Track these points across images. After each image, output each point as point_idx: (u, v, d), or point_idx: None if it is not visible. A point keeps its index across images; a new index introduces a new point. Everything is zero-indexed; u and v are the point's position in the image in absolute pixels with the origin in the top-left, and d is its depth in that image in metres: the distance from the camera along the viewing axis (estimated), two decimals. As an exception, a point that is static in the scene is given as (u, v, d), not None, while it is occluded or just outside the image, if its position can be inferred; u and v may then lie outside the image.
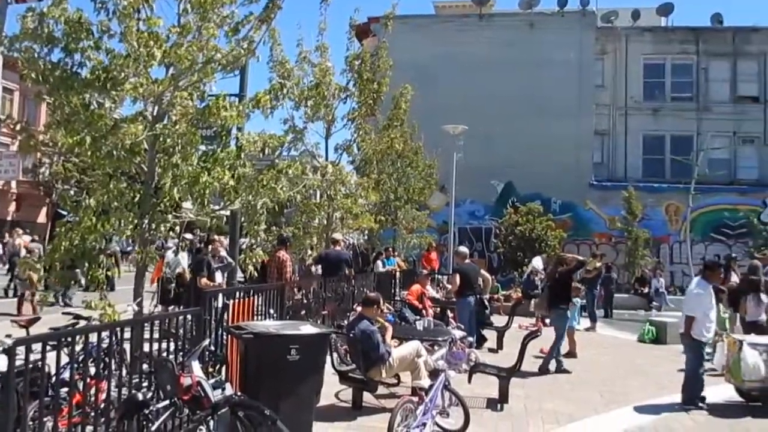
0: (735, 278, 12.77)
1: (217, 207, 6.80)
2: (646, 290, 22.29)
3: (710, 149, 27.00)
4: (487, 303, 13.23)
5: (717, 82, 29.94)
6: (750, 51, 29.72)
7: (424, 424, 5.65)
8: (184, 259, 11.95)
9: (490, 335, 12.16)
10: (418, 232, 20.43)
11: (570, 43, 27.82)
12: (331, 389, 7.47)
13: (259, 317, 7.29)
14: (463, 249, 12.72)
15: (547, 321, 15.35)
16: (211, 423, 4.50)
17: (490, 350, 11.57)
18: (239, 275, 10.59)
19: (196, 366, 4.66)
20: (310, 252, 13.24)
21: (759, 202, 27.26)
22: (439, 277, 17.69)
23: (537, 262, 16.97)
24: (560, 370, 9.96)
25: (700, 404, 7.72)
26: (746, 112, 29.31)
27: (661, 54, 30.29)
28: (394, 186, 18.17)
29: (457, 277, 11.43)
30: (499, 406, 7.52)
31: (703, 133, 28.31)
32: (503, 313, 15.57)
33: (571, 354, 11.14)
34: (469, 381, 7.63)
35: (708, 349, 8.32)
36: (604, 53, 29.97)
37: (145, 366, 5.01)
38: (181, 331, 5.53)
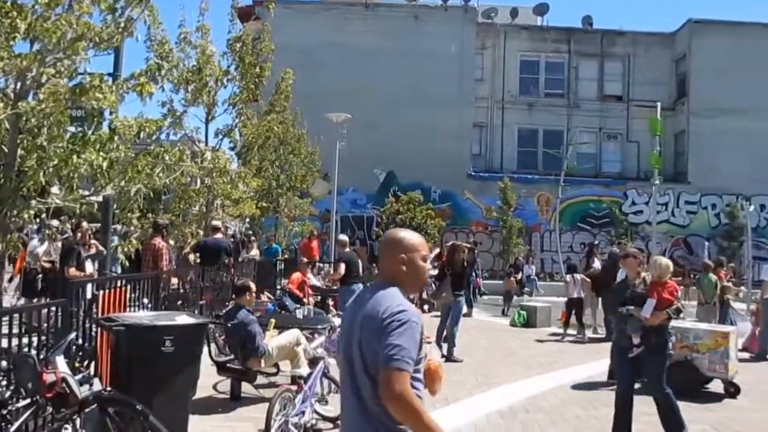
0: (597, 264, 13.67)
1: (87, 192, 6.44)
2: (519, 276, 23.40)
3: (578, 143, 28.69)
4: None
5: (586, 80, 31.80)
6: (616, 52, 31.76)
7: (303, 412, 5.67)
8: (42, 246, 11.19)
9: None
10: (300, 219, 20.34)
11: (452, 37, 28.57)
12: (209, 381, 7.32)
13: (133, 308, 7.01)
14: (344, 237, 12.83)
15: (426, 308, 15.84)
16: (78, 421, 4.28)
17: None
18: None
19: (60, 361, 4.41)
20: (189, 240, 12.86)
21: (621, 194, 29.25)
22: (321, 265, 17.72)
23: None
24: (447, 357, 10.26)
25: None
26: (611, 110, 31.31)
27: (536, 51, 31.74)
28: (276, 173, 17.97)
29: (342, 266, 11.51)
30: (378, 391, 7.66)
31: (573, 128, 30.00)
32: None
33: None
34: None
35: None
36: (483, 48, 30.99)
37: (3, 363, 4.69)
38: (45, 324, 5.21)
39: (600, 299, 13.28)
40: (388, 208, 25.21)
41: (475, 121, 29.63)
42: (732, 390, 8.14)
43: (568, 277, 13.78)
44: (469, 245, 11.87)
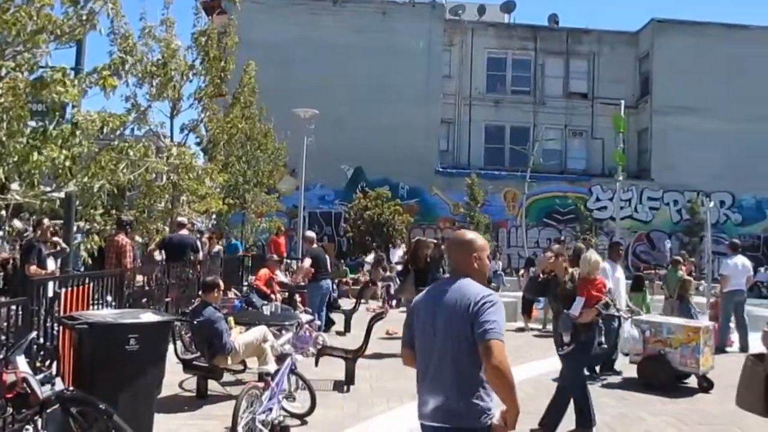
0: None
1: (48, 189, 6.31)
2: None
3: (544, 140, 29.03)
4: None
5: (552, 78, 32.15)
6: (581, 51, 32.16)
7: (271, 409, 5.65)
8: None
9: (338, 318, 12.35)
10: (267, 216, 20.22)
11: (420, 33, 28.64)
12: (175, 379, 7.25)
13: (96, 306, 6.90)
14: (310, 233, 12.81)
15: (393, 303, 15.88)
16: (40, 421, 4.20)
17: (338, 333, 11.75)
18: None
19: (21, 361, 4.33)
20: (155, 237, 12.69)
21: (585, 191, 29.69)
22: (288, 261, 17.64)
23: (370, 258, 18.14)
24: None
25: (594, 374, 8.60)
26: (576, 107, 31.71)
27: (503, 49, 31.98)
28: (242, 169, 17.83)
29: (308, 261, 11.47)
30: (345, 387, 7.67)
31: (539, 125, 30.35)
32: (351, 296, 15.87)
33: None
34: (316, 364, 7.71)
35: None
36: (451, 45, 31.13)
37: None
38: (5, 324, 5.10)
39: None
40: (356, 204, 25.21)
41: (442, 118, 29.76)
42: (705, 385, 8.16)
43: (522, 272, 13.96)
44: (435, 241, 11.91)
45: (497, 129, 31.57)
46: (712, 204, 27.85)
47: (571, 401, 6.18)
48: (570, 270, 6.65)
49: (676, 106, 29.35)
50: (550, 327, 13.49)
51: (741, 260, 12.62)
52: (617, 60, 31.75)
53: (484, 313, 3.02)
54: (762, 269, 22.49)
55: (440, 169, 29.04)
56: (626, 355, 8.73)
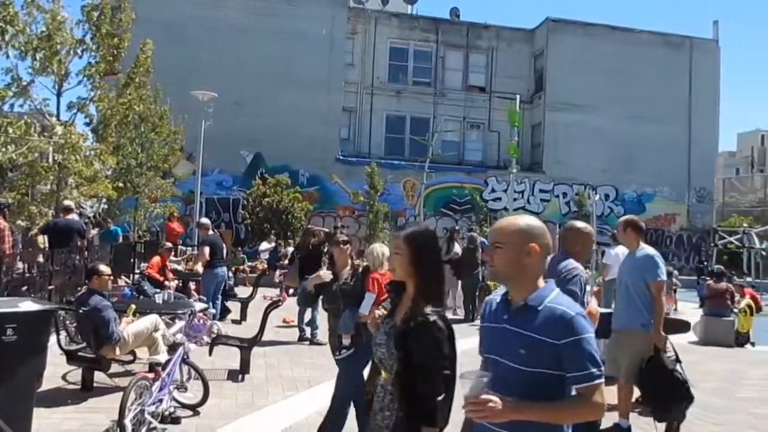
0: (457, 248, 14.20)
1: None
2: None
3: (443, 132, 29.60)
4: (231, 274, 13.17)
5: (452, 70, 32.80)
6: (480, 45, 32.98)
7: (161, 401, 5.49)
8: None
9: (235, 307, 12.14)
10: (162, 201, 19.53)
11: (323, 20, 28.39)
12: (58, 371, 6.91)
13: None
14: (205, 220, 12.51)
15: (291, 291, 15.78)
16: None
17: (234, 321, 11.56)
18: None
19: None
20: (38, 221, 12.01)
21: (482, 182, 30.55)
22: (183, 248, 17.15)
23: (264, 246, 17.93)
24: (310, 340, 10.32)
25: None
26: (474, 100, 32.53)
27: (405, 40, 32.28)
28: (135, 151, 17.12)
29: (207, 249, 11.20)
30: (240, 376, 7.57)
31: (438, 116, 30.90)
32: (248, 284, 15.64)
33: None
34: (210, 353, 7.56)
35: None
36: (354, 33, 31.09)
37: None
38: None
39: (460, 282, 13.86)
40: (255, 190, 24.80)
41: (344, 106, 29.72)
42: None
43: None
44: (327, 230, 11.99)
45: (398, 119, 31.91)
46: (597, 197, 29.51)
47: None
48: (357, 262, 5.93)
49: (566, 102, 30.75)
50: (460, 313, 13.85)
51: (622, 251, 13.39)
52: (514, 56, 32.82)
53: (567, 283, 4.20)
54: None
55: (341, 158, 29.02)
56: None
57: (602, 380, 2.24)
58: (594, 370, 2.24)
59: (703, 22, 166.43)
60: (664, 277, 5.86)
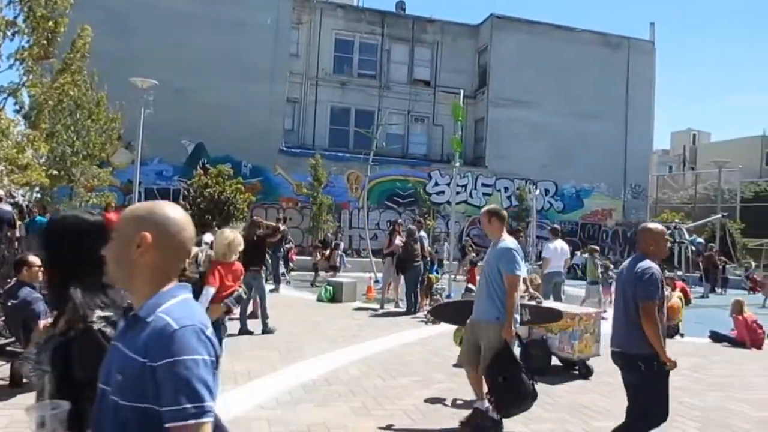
0: (398, 241, 14.28)
1: None
2: (327, 252, 23.76)
3: (388, 125, 29.65)
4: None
5: (397, 64, 32.92)
6: (425, 39, 33.18)
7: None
8: None
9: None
10: (98, 190, 18.97)
11: (268, 9, 28.02)
12: (-16, 365, 6.65)
13: None
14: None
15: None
16: None
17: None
18: None
19: None
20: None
21: (425, 175, 30.79)
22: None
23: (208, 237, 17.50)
24: (243, 331, 10.23)
25: None
26: (419, 94, 32.73)
27: (351, 31, 32.20)
28: (71, 139, 16.57)
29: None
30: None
31: (383, 109, 30.95)
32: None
33: (253, 315, 11.50)
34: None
35: None
36: (299, 23, 30.83)
37: None
38: None
39: (401, 275, 13.96)
40: (196, 180, 24.31)
41: (288, 96, 29.46)
42: (584, 371, 8.23)
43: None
44: (272, 223, 11.97)
45: (343, 111, 31.84)
46: (537, 192, 30.15)
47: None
48: (205, 253, 5.20)
49: (509, 98, 31.28)
50: (389, 307, 13.97)
51: (560, 244, 13.79)
52: (459, 51, 33.16)
53: (643, 282, 4.51)
54: (578, 253, 24.60)
55: (284, 149, 28.77)
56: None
57: (202, 420, 1.63)
58: (188, 405, 1.62)
59: (640, 23, 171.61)
60: (520, 272, 5.73)
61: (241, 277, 5.11)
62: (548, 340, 8.33)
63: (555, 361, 8.51)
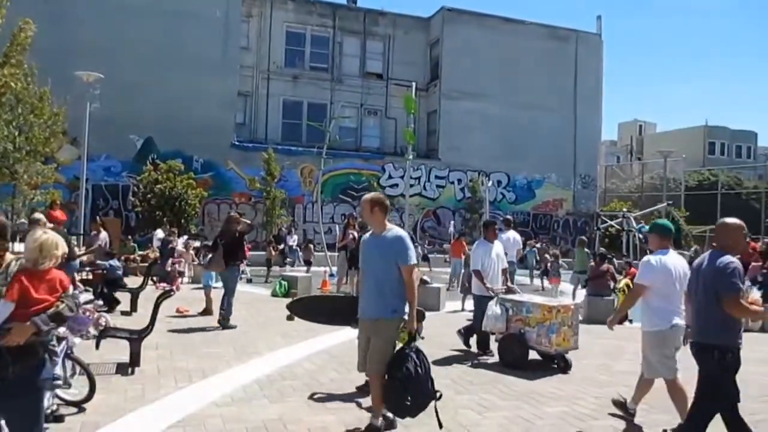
0: (355, 234, 14.30)
1: None
2: (281, 247, 23.63)
3: (341, 118, 29.60)
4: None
5: (349, 57, 32.84)
6: (377, 32, 33.18)
7: (42, 399, 5.17)
8: None
9: (124, 297, 11.70)
10: (43, 187, 18.41)
11: (217, 1, 27.62)
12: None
13: None
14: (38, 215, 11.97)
15: (183, 280, 15.45)
16: None
17: (123, 313, 11.14)
18: None
19: None
20: None
21: (379, 168, 30.85)
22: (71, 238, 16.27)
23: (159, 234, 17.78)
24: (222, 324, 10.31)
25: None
26: (372, 87, 32.73)
27: (302, 24, 31.98)
28: (12, 134, 16.03)
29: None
30: (130, 369, 7.29)
31: (336, 102, 30.90)
32: (139, 274, 15.09)
33: (207, 311, 11.39)
34: (97, 347, 7.22)
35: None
36: (249, 16, 30.47)
37: None
38: None
39: (355, 269, 13.95)
40: (146, 176, 23.87)
41: (239, 90, 29.13)
42: (562, 365, 8.11)
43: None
44: (247, 221, 12.06)
45: (295, 104, 31.64)
46: (490, 183, 30.53)
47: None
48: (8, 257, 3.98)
49: (460, 91, 31.54)
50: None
51: (513, 235, 13.98)
52: (410, 44, 33.26)
53: (727, 276, 4.56)
54: (528, 246, 24.98)
55: (236, 143, 28.45)
56: (493, 333, 8.66)
57: None
58: None
59: (587, 16, 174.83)
60: (415, 261, 5.36)
61: (69, 289, 3.91)
62: (526, 334, 8.15)
63: (533, 354, 8.31)
